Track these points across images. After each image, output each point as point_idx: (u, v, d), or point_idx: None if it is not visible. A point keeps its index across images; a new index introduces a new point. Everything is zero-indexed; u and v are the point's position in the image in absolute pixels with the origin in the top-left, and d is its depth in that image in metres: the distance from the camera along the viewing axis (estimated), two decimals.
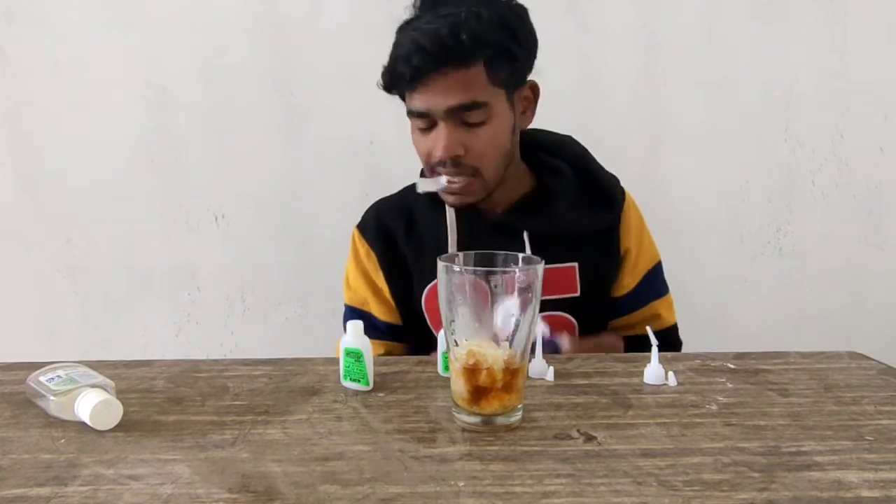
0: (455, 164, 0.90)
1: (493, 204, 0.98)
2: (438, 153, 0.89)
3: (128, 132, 1.47)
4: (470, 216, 0.98)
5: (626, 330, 1.05)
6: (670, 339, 1.06)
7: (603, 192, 1.01)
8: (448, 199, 0.95)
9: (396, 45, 0.88)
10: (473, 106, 0.87)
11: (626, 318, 1.04)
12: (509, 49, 0.88)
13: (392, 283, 1.03)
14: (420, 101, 0.88)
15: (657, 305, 1.04)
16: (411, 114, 0.90)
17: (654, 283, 1.05)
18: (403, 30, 0.89)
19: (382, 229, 1.03)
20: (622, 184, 1.07)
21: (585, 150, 1.05)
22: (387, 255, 1.03)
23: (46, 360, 0.74)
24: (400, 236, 1.02)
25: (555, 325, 0.97)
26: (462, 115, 0.87)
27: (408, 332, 1.06)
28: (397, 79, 0.88)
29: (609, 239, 1.01)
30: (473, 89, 0.86)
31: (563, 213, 0.98)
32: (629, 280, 1.02)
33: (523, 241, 0.96)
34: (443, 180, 0.92)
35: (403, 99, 0.94)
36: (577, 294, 0.98)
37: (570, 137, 1.06)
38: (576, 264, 0.98)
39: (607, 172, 1.04)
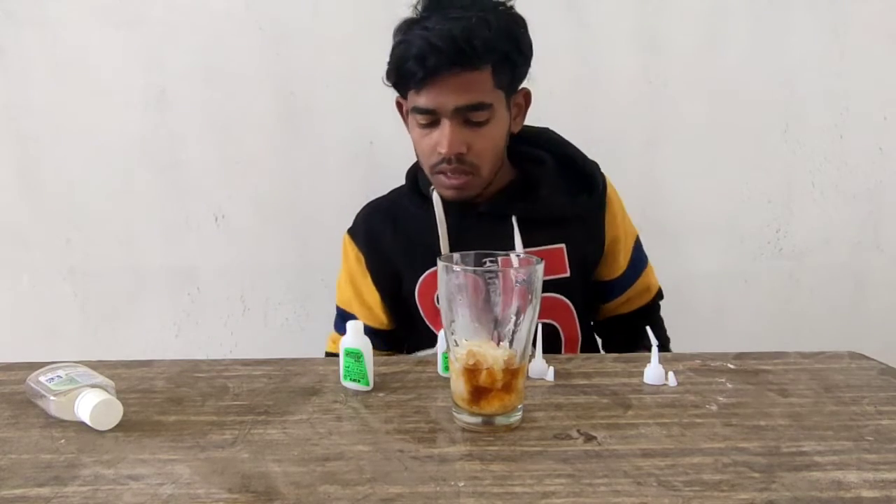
0: (458, 160, 0.93)
1: (480, 195, 1.01)
2: (443, 149, 0.92)
3: (128, 132, 1.47)
4: (458, 207, 1.01)
5: (626, 305, 1.10)
6: (657, 302, 1.13)
7: (583, 175, 1.05)
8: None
9: (404, 43, 0.89)
10: (479, 107, 0.91)
11: (624, 294, 1.09)
12: (512, 57, 0.92)
13: (379, 285, 1.06)
14: (428, 98, 0.90)
15: (646, 276, 1.10)
16: (416, 110, 0.93)
17: (639, 257, 1.10)
18: (409, 28, 0.90)
19: (370, 231, 1.07)
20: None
21: (564, 138, 1.08)
22: (374, 257, 1.06)
23: (46, 360, 0.74)
24: (387, 236, 1.06)
25: (550, 308, 1.00)
26: (467, 115, 0.91)
27: (392, 336, 1.10)
28: (407, 76, 0.90)
29: (593, 223, 1.04)
30: (480, 91, 0.90)
31: (546, 196, 1.01)
32: (619, 265, 1.07)
33: (512, 226, 0.99)
34: None
35: (404, 96, 0.96)
36: (568, 275, 1.01)
37: (547, 129, 1.09)
38: (563, 246, 1.01)
39: (586, 158, 1.07)
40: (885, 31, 1.48)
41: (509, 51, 0.91)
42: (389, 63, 0.93)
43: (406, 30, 0.91)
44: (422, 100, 0.91)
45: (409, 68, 0.89)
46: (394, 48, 0.92)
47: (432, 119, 0.92)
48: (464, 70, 0.88)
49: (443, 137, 0.92)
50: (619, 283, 1.08)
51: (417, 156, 1.01)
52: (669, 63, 1.48)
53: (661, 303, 1.14)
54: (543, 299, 0.98)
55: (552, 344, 0.98)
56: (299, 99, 1.47)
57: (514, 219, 0.99)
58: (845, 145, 1.52)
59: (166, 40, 1.44)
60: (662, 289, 1.14)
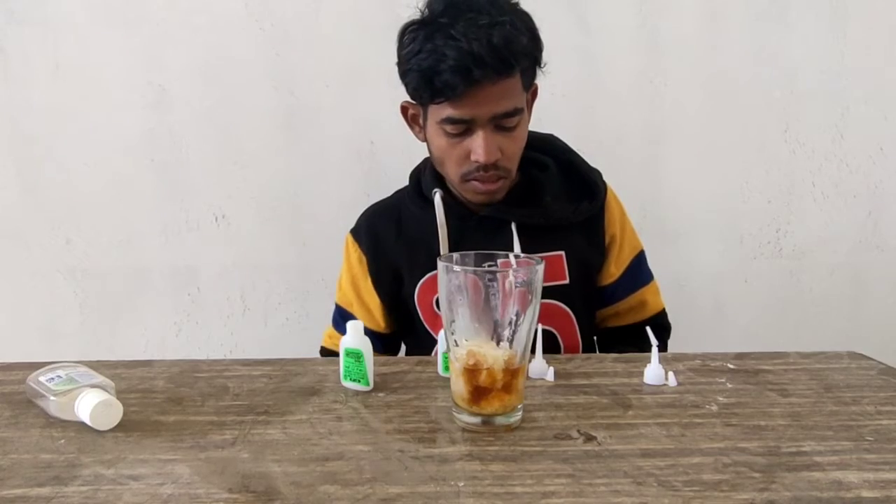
0: (494, 167, 0.92)
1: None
2: (481, 158, 0.89)
3: (128, 132, 1.47)
4: (458, 211, 1.00)
5: (616, 318, 1.08)
6: (661, 324, 1.10)
7: (586, 183, 1.04)
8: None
9: (432, 53, 0.84)
10: (514, 112, 0.89)
11: (614, 306, 1.07)
12: (537, 58, 0.91)
13: (379, 287, 1.05)
14: (465, 109, 0.87)
15: (644, 292, 1.07)
16: (449, 121, 0.89)
17: (639, 272, 1.08)
18: (431, 36, 0.84)
19: (373, 232, 1.06)
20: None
21: (567, 145, 1.08)
22: (377, 258, 1.05)
23: (46, 360, 0.74)
24: (390, 238, 1.04)
25: (549, 314, 0.99)
26: (501, 121, 0.89)
27: (389, 340, 1.09)
28: (443, 88, 0.85)
29: (593, 228, 1.03)
30: (516, 96, 0.89)
31: (549, 203, 1.00)
32: (614, 269, 1.05)
33: (511, 233, 0.98)
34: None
35: (424, 105, 0.92)
36: (567, 281, 1.00)
37: (551, 135, 1.08)
38: (563, 252, 1.00)
39: (590, 166, 1.06)
40: (886, 32, 1.48)
41: (535, 52, 0.90)
42: (413, 73, 0.87)
43: (426, 37, 0.85)
44: (457, 111, 0.87)
45: (447, 80, 0.83)
46: (416, 57, 0.86)
47: (465, 128, 0.89)
48: (502, 78, 0.85)
49: (478, 146, 0.89)
50: (610, 291, 1.06)
51: (440, 163, 0.97)
52: (670, 63, 1.48)
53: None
54: (542, 306, 0.98)
55: (551, 351, 0.97)
56: (299, 99, 1.47)
57: (513, 226, 0.98)
58: (845, 145, 1.52)
59: (166, 40, 1.44)
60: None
